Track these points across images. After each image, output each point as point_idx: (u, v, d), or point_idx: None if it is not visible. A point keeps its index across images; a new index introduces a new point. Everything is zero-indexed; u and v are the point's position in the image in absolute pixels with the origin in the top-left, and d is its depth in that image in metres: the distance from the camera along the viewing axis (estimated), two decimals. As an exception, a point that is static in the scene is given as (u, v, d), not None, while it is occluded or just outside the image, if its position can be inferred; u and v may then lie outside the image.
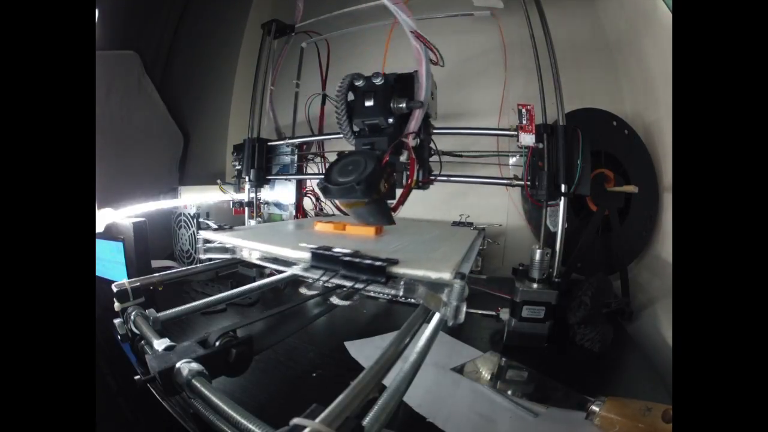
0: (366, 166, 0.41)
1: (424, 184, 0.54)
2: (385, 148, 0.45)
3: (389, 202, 0.46)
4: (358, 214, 0.46)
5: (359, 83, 0.47)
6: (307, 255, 0.41)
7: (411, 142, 0.47)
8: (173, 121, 1.30)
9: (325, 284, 0.39)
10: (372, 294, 0.76)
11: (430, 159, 0.58)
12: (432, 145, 0.58)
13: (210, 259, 0.58)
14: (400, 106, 0.45)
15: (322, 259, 0.40)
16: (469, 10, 0.85)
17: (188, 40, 1.33)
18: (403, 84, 0.47)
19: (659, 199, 0.82)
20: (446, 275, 0.34)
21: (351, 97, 0.49)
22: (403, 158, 0.49)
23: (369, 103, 0.46)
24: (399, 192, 0.49)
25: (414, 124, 0.47)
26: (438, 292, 0.36)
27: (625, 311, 0.72)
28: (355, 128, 0.49)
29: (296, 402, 0.43)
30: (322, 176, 0.44)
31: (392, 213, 0.47)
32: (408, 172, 0.49)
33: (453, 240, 0.60)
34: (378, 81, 0.46)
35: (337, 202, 0.70)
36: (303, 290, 0.45)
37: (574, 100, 0.79)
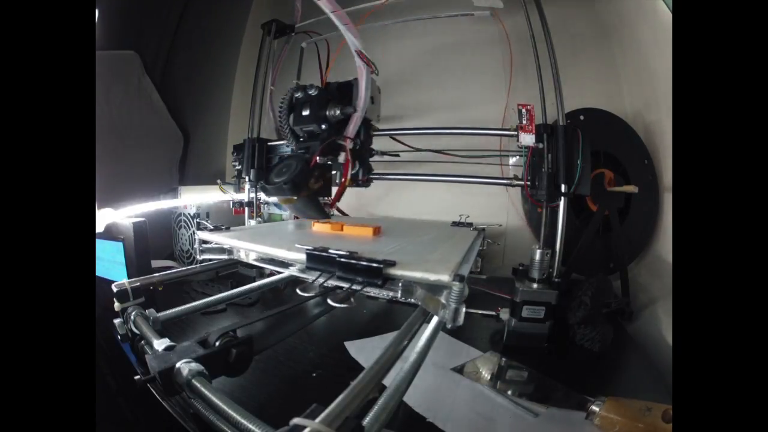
0: (295, 167, 0.46)
1: (363, 182, 0.57)
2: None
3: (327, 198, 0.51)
4: (296, 209, 0.50)
5: (298, 95, 0.51)
6: (302, 256, 0.41)
7: (348, 144, 0.51)
8: (173, 121, 1.29)
9: (321, 286, 0.40)
10: (372, 294, 0.76)
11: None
12: (373, 146, 0.62)
13: (208, 260, 0.58)
14: (335, 113, 0.50)
15: (318, 260, 0.40)
16: (469, 10, 0.85)
17: (188, 40, 1.33)
18: (342, 92, 0.51)
19: (659, 199, 0.82)
20: (445, 277, 0.34)
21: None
22: (341, 159, 0.53)
23: (305, 113, 0.50)
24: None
25: (352, 128, 0.51)
26: (437, 294, 0.35)
27: (625, 311, 0.72)
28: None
29: (296, 402, 0.43)
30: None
31: (325, 208, 0.51)
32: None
33: (452, 241, 0.59)
34: (312, 92, 0.50)
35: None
36: (299, 291, 0.45)
37: (575, 99, 0.80)
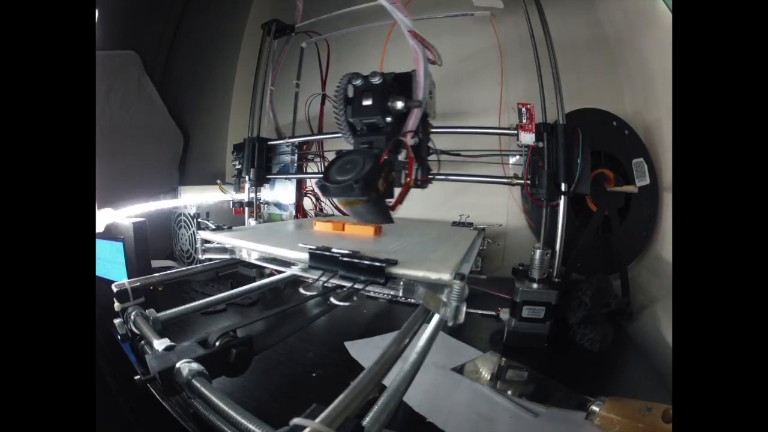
0: (364, 164, 0.41)
1: (422, 182, 0.54)
2: (383, 147, 0.45)
3: (388, 201, 0.46)
4: (356, 213, 0.45)
5: (357, 82, 0.47)
6: (305, 255, 0.41)
7: (409, 140, 0.46)
8: (173, 121, 1.29)
9: (324, 285, 0.40)
10: (372, 294, 0.76)
11: (429, 158, 0.58)
12: (430, 144, 0.58)
13: (209, 260, 0.58)
14: (398, 105, 0.45)
15: (321, 259, 0.40)
16: (469, 10, 0.85)
17: (188, 40, 1.33)
18: (400, 83, 0.47)
19: (659, 199, 0.82)
20: (446, 276, 0.35)
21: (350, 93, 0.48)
22: (401, 157, 0.48)
23: (367, 102, 0.46)
24: (398, 191, 0.49)
25: (412, 123, 0.46)
26: (438, 292, 0.36)
27: (625, 311, 0.72)
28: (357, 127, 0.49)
29: (296, 402, 0.43)
30: (321, 175, 0.44)
31: (390, 212, 0.46)
32: (407, 171, 0.48)
33: (453, 240, 0.60)
34: (376, 80, 0.46)
35: (335, 200, 0.70)
36: (302, 290, 0.45)
37: (574, 99, 0.79)
